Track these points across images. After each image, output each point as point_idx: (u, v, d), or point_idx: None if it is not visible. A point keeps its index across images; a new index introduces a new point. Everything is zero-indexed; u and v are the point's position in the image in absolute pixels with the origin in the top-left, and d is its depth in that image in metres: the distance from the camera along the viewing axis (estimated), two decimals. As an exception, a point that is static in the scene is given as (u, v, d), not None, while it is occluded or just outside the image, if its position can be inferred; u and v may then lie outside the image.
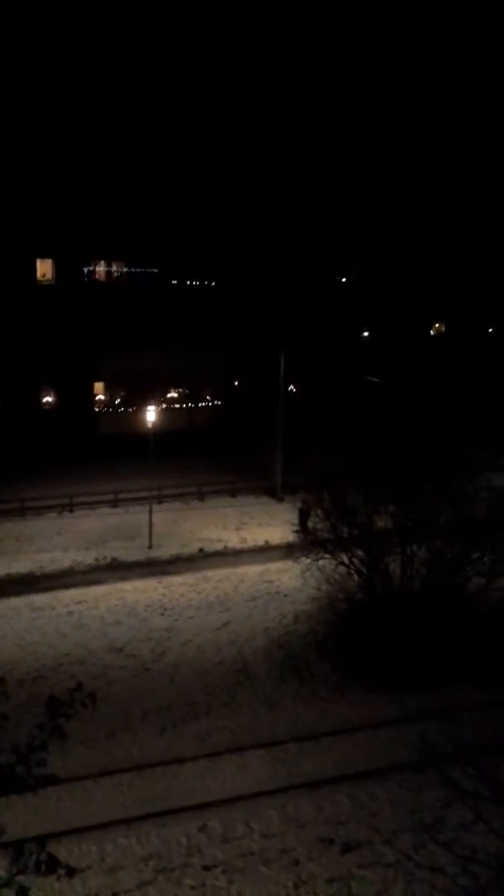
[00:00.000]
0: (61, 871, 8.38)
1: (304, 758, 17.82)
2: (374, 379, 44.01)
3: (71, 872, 8.65)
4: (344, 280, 55.30)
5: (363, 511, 22.36)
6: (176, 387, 48.27)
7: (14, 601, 25.72)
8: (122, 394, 47.02)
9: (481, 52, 46.34)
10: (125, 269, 47.03)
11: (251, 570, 28.31)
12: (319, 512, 23.71)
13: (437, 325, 60.60)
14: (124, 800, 16.41)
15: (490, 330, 59.30)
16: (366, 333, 54.57)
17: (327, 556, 22.85)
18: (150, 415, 33.30)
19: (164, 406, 44.79)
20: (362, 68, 46.03)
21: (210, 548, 30.66)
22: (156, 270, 46.81)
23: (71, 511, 34.55)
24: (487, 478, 23.95)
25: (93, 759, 17.51)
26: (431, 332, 60.20)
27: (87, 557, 29.55)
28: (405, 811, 15.94)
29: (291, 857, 14.73)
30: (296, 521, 28.80)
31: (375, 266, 52.90)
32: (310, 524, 24.99)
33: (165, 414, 42.22)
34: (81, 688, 9.00)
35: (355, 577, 22.74)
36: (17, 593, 26.35)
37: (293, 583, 25.87)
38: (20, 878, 8.27)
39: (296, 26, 43.69)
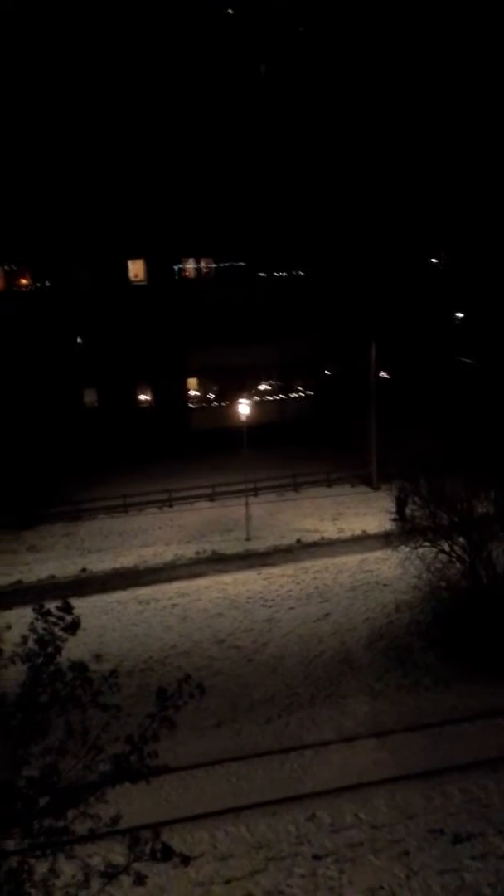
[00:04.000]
0: (176, 859, 8.68)
1: (411, 748, 17.67)
2: (467, 360, 42.84)
3: (185, 860, 8.95)
4: (435, 262, 53.95)
5: (463, 497, 21.90)
6: (267, 379, 48.40)
7: (121, 594, 26.60)
8: (215, 388, 47.53)
9: None
10: (213, 265, 47.43)
11: (350, 560, 28.22)
12: (417, 499, 23.35)
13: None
14: (233, 789, 16.74)
15: None
16: (459, 315, 53.11)
17: (427, 544, 22.50)
18: (243, 408, 33.50)
19: (256, 399, 44.99)
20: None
21: (307, 538, 30.73)
22: (243, 264, 46.96)
23: (170, 506, 35.34)
24: None
25: (202, 748, 17.91)
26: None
27: (188, 551, 30.18)
28: (518, 803, 15.61)
29: (401, 848, 14.66)
30: (393, 509, 28.50)
31: (466, 247, 51.34)
32: (408, 512, 24.65)
33: (258, 406, 42.39)
34: (189, 679, 9.30)
35: (457, 564, 22.30)
36: (124, 587, 27.24)
37: (393, 572, 25.61)
38: (137, 865, 8.59)
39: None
